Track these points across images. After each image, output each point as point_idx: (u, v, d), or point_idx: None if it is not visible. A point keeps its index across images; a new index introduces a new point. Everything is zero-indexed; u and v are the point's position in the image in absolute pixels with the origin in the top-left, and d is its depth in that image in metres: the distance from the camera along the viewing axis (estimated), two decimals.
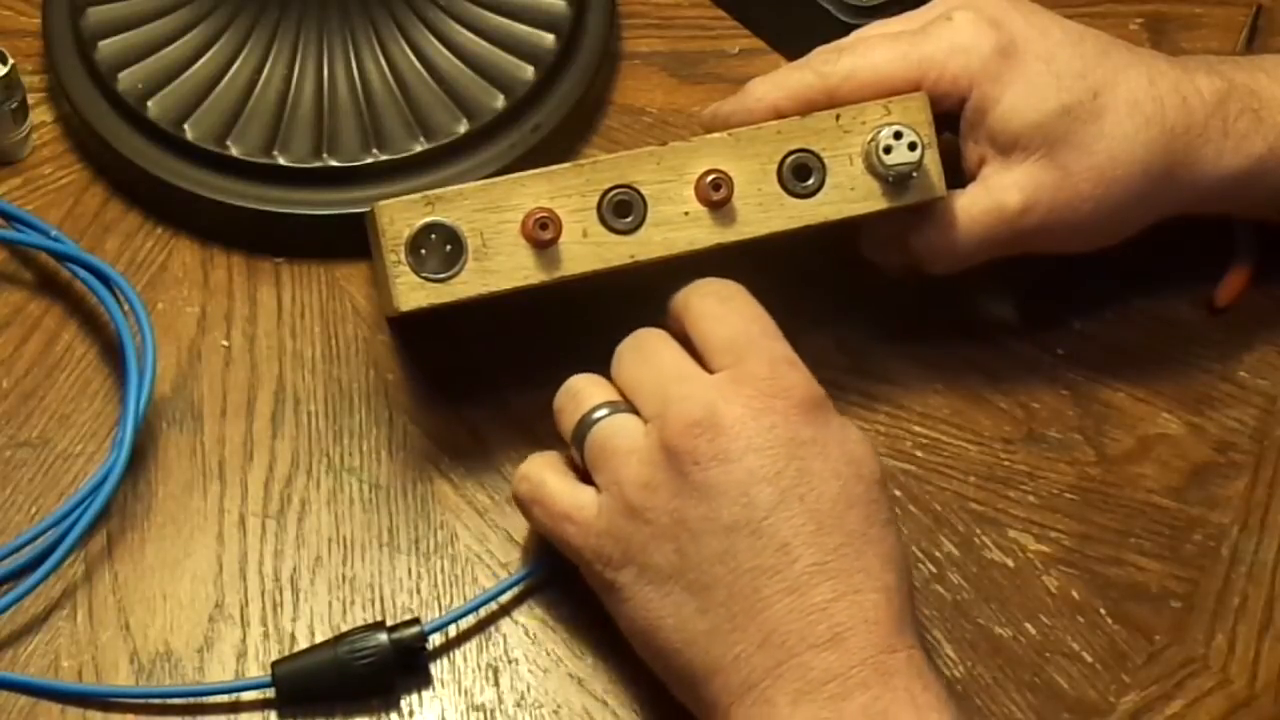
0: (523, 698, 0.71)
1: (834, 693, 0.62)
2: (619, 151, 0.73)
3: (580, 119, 0.85)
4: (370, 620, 0.72)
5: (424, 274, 0.70)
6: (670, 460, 0.65)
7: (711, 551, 0.64)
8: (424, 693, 0.71)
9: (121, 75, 0.82)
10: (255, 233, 0.81)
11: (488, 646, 0.72)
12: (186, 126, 0.81)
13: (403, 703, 0.71)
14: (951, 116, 0.75)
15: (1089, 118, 0.74)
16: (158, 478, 0.76)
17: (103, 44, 0.83)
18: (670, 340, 0.70)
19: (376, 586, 0.74)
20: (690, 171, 0.71)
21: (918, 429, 0.78)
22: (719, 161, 0.72)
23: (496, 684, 0.72)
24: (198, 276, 0.81)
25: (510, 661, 0.72)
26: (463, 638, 0.72)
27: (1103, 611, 0.74)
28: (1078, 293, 0.81)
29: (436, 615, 0.73)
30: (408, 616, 0.72)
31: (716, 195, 0.71)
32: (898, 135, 0.72)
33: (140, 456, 0.75)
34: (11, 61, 0.81)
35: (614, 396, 0.69)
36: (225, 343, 0.79)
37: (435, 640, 0.72)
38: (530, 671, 0.72)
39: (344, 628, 0.72)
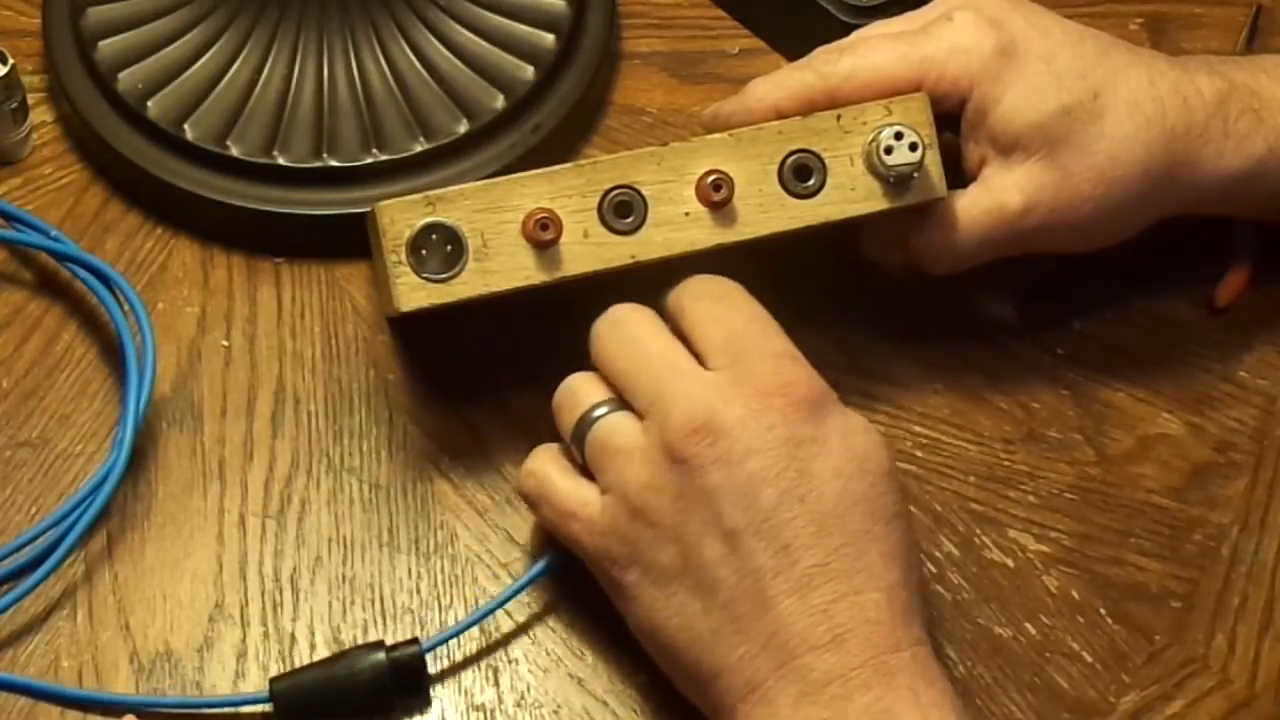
0: (523, 698, 0.71)
1: (836, 694, 0.63)
2: (619, 151, 0.73)
3: (580, 119, 0.85)
4: (370, 619, 0.72)
5: (425, 274, 0.70)
6: (671, 463, 0.65)
7: (714, 554, 0.64)
8: (424, 708, 0.71)
9: (121, 75, 0.82)
10: (255, 233, 0.81)
11: (488, 646, 0.72)
12: (186, 126, 0.81)
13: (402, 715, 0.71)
14: (952, 117, 0.75)
15: (1089, 118, 0.74)
16: (158, 478, 0.76)
17: (103, 44, 0.83)
18: (654, 322, 0.69)
19: (376, 586, 0.74)
20: (691, 172, 0.71)
21: (918, 429, 0.78)
22: (720, 162, 0.72)
23: (496, 684, 0.72)
24: (198, 276, 0.81)
25: (510, 661, 0.72)
26: (463, 638, 0.72)
27: (1103, 611, 0.74)
28: (1078, 293, 0.81)
29: (436, 615, 0.73)
30: (407, 617, 0.72)
31: (717, 196, 0.71)
32: (899, 136, 0.72)
33: (140, 456, 0.75)
34: (11, 61, 0.81)
35: (613, 394, 0.69)
36: (225, 343, 0.79)
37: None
38: (530, 671, 0.72)
39: (344, 628, 0.72)
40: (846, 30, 0.79)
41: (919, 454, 0.77)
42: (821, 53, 0.76)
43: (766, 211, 0.72)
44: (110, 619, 0.72)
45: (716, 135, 0.72)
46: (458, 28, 0.85)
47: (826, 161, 0.73)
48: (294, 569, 0.74)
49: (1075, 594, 0.74)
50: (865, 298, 0.80)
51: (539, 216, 0.70)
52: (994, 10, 0.75)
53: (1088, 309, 0.81)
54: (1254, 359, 0.80)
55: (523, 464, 0.71)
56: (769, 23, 0.88)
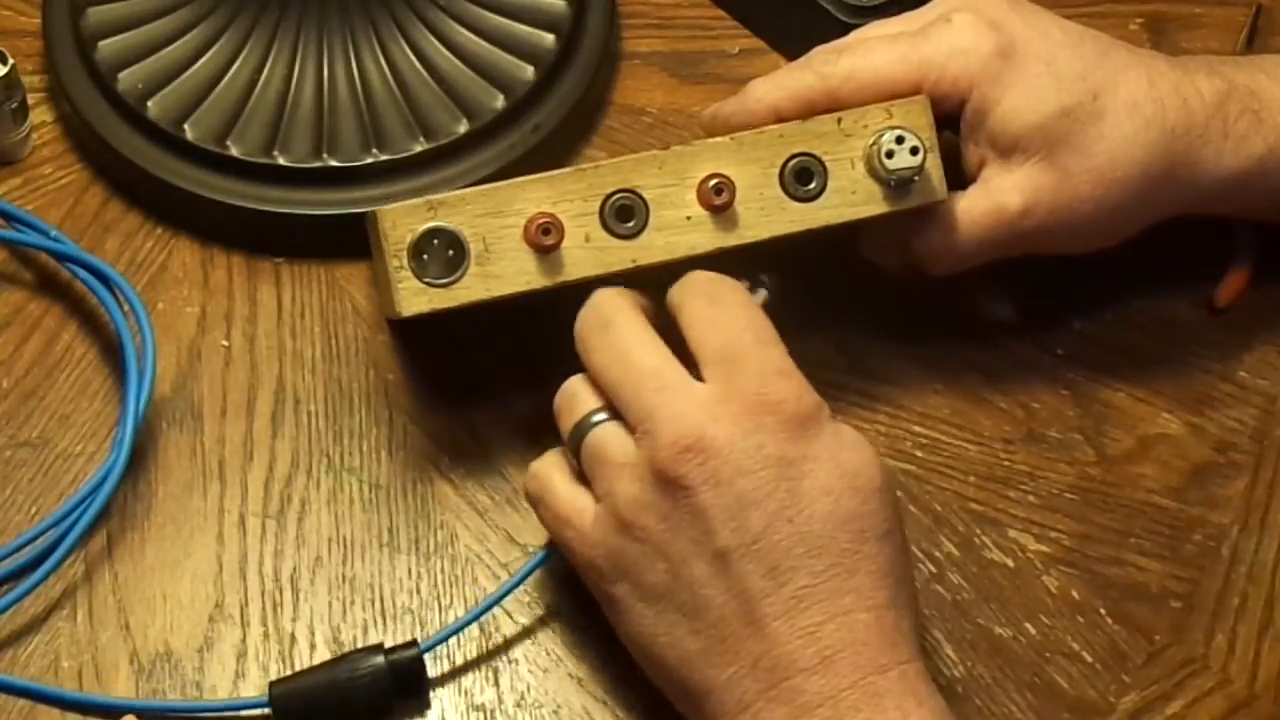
0: (523, 698, 0.71)
1: (825, 716, 0.62)
2: (619, 151, 0.73)
3: (580, 119, 0.85)
4: (370, 619, 0.72)
5: (426, 279, 0.69)
6: (660, 481, 0.65)
7: (702, 574, 0.64)
8: (424, 711, 0.71)
9: (121, 75, 0.82)
10: (255, 233, 0.81)
11: (488, 647, 0.72)
12: (186, 126, 0.81)
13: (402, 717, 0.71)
14: (952, 117, 0.75)
15: (1089, 119, 0.74)
16: (158, 478, 0.76)
17: (103, 44, 0.83)
18: (642, 327, 0.68)
19: (376, 586, 0.74)
20: (692, 176, 0.71)
21: (918, 429, 0.78)
22: (721, 165, 0.72)
23: (496, 684, 0.72)
24: (198, 276, 0.81)
25: (510, 662, 0.72)
26: (463, 638, 0.72)
27: (1103, 611, 0.74)
28: (1078, 293, 0.81)
29: (436, 615, 0.73)
30: (407, 617, 0.72)
31: (718, 199, 0.71)
32: (900, 140, 0.72)
33: (140, 456, 0.75)
34: (11, 61, 0.81)
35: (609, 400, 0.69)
36: (225, 343, 0.79)
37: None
38: (530, 671, 0.72)
39: (344, 628, 0.72)
40: (846, 30, 0.79)
41: (919, 454, 0.77)
42: (820, 53, 0.76)
43: (767, 215, 0.72)
44: (110, 619, 0.72)
45: (718, 139, 0.72)
46: (458, 28, 0.85)
47: (827, 165, 0.72)
48: (294, 569, 0.74)
49: (1075, 594, 0.74)
50: (865, 298, 0.80)
51: (541, 221, 0.70)
52: (993, 12, 0.75)
53: (1088, 309, 0.81)
54: (1254, 359, 0.80)
55: (531, 464, 0.71)
56: (769, 23, 0.88)
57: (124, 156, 0.82)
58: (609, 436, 0.67)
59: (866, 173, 0.73)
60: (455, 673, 0.72)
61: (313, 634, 0.72)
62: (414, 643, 0.70)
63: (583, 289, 0.70)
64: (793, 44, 0.86)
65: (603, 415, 0.68)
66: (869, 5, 0.85)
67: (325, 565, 0.74)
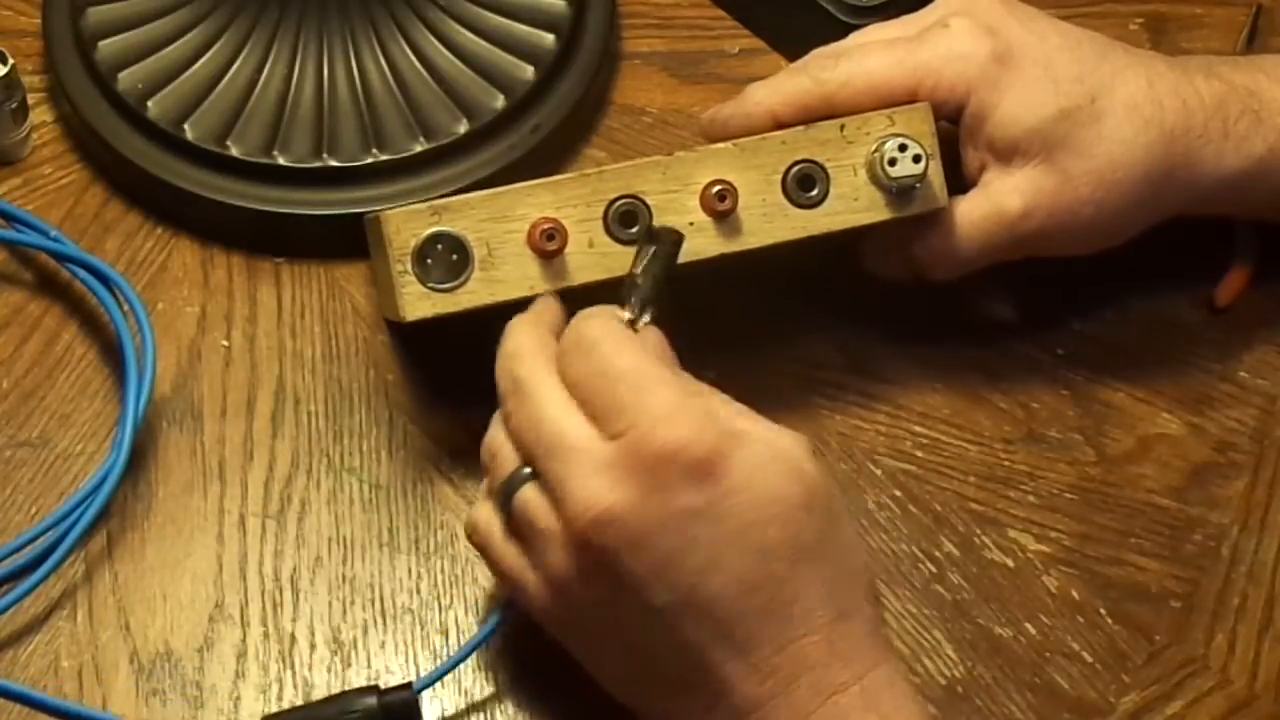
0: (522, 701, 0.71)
1: None
2: (619, 152, 0.73)
3: (580, 119, 0.85)
4: (370, 619, 0.72)
5: (430, 284, 0.69)
6: (583, 551, 0.63)
7: (647, 631, 0.63)
8: None
9: (121, 75, 0.82)
10: (255, 233, 0.81)
11: (483, 680, 0.71)
12: (186, 126, 0.81)
13: None
14: (951, 122, 0.76)
15: (1088, 122, 0.74)
16: (158, 478, 0.76)
17: (103, 44, 0.83)
18: (545, 381, 0.65)
19: (376, 586, 0.74)
20: (695, 182, 0.71)
21: (918, 429, 0.78)
22: (724, 172, 0.72)
23: (496, 685, 0.71)
24: (198, 276, 0.81)
25: (506, 694, 0.71)
26: (457, 672, 0.71)
27: (1103, 611, 0.74)
28: (1078, 293, 0.81)
29: (436, 615, 0.73)
30: (407, 617, 0.72)
31: (721, 206, 0.71)
32: (902, 148, 0.72)
33: (140, 456, 0.75)
34: (11, 61, 0.81)
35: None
36: (225, 343, 0.79)
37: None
38: (530, 701, 0.71)
39: (344, 628, 0.72)
40: (846, 30, 0.79)
41: (919, 454, 0.77)
42: (817, 58, 0.76)
43: (770, 221, 0.72)
44: (110, 619, 0.72)
45: (721, 145, 0.72)
46: (458, 28, 0.85)
47: (830, 171, 0.73)
48: (294, 569, 0.74)
49: (1075, 594, 0.74)
50: (865, 298, 0.80)
51: (544, 226, 0.70)
52: (990, 16, 0.75)
53: (1088, 309, 0.81)
54: (1254, 359, 0.80)
55: (470, 511, 0.69)
56: (769, 23, 0.88)
57: (124, 156, 0.82)
58: (533, 502, 0.65)
59: (869, 180, 0.73)
60: (455, 672, 0.71)
61: (313, 634, 0.72)
62: (408, 685, 0.69)
63: (585, 294, 0.70)
64: (793, 44, 0.86)
65: (526, 472, 0.65)
66: (869, 5, 0.85)
67: (325, 565, 0.74)
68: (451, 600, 0.73)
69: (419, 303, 0.70)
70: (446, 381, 0.78)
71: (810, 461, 0.64)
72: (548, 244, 0.70)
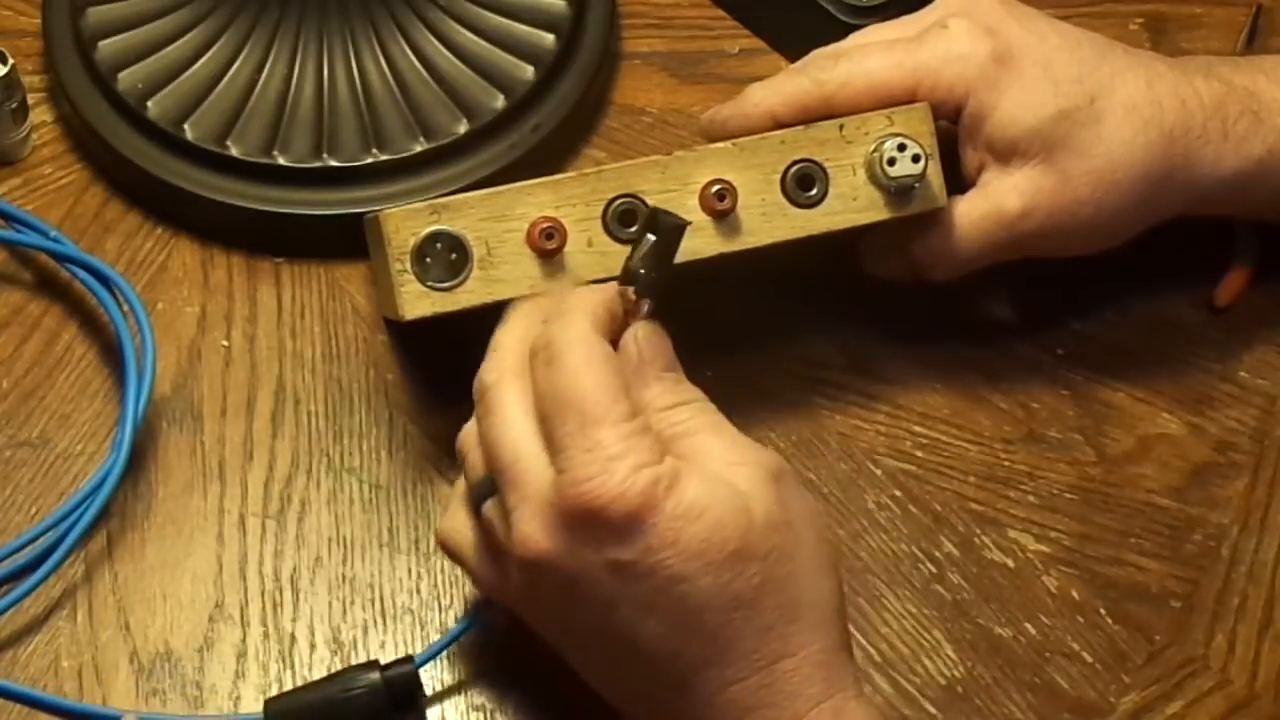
0: (520, 705, 0.71)
1: None
2: (619, 151, 0.73)
3: (580, 119, 0.85)
4: (370, 619, 0.72)
5: (429, 283, 0.69)
6: (534, 578, 0.63)
7: (602, 663, 0.65)
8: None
9: (121, 75, 0.82)
10: (255, 233, 0.81)
11: (483, 655, 0.72)
12: (186, 126, 0.81)
13: None
14: (950, 123, 0.76)
15: (1087, 122, 0.74)
16: (158, 478, 0.76)
17: (103, 44, 0.83)
18: (512, 403, 0.64)
19: (376, 586, 0.74)
20: (695, 181, 0.71)
21: (918, 429, 0.78)
22: (723, 171, 0.72)
23: (494, 692, 0.71)
24: (198, 276, 0.81)
25: (507, 668, 0.71)
26: (458, 647, 0.72)
27: (1103, 611, 0.74)
28: (1078, 293, 0.81)
29: (436, 615, 0.73)
30: (407, 617, 0.72)
31: (721, 205, 0.71)
32: (901, 148, 0.72)
33: (140, 456, 0.75)
34: (11, 61, 0.81)
35: None
36: (225, 343, 0.79)
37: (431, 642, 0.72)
38: (530, 676, 0.71)
39: (344, 628, 0.72)
40: (846, 30, 0.79)
41: (919, 454, 0.77)
42: (817, 59, 0.76)
43: (769, 221, 0.72)
44: (110, 619, 0.72)
45: (720, 144, 0.72)
46: (458, 28, 0.85)
47: (829, 171, 0.73)
48: (294, 569, 0.74)
49: (1075, 594, 0.74)
50: (865, 298, 0.80)
51: (544, 225, 0.70)
52: (989, 17, 0.75)
53: (1088, 309, 0.81)
54: (1254, 359, 0.80)
55: (442, 518, 0.69)
56: (769, 23, 0.88)
57: (124, 156, 0.82)
58: (496, 519, 0.65)
59: (868, 179, 0.73)
60: (453, 686, 0.71)
61: (313, 634, 0.72)
62: (409, 658, 0.70)
63: None
64: (793, 44, 0.86)
65: (490, 483, 0.65)
66: (869, 5, 0.85)
67: (325, 565, 0.74)
68: (451, 600, 0.73)
69: (418, 302, 0.70)
70: (446, 381, 0.78)
71: (764, 496, 0.62)
72: (547, 243, 0.70)
